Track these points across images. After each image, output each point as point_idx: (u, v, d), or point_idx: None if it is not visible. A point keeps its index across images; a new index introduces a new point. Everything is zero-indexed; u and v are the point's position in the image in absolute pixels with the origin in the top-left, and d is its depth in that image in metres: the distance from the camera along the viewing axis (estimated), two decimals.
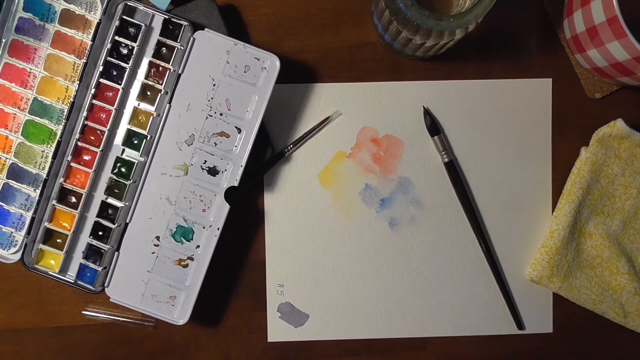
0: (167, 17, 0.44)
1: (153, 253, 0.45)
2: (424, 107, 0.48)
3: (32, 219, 0.44)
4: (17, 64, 0.45)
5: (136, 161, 0.45)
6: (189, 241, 0.45)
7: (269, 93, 0.44)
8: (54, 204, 0.45)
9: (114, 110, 0.44)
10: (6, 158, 0.45)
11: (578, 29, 0.44)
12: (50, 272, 0.45)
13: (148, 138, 0.44)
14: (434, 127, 0.48)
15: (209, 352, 0.49)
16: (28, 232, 0.44)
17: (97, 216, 0.45)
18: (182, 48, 0.44)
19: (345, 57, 0.48)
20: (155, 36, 0.44)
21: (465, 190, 0.48)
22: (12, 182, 0.45)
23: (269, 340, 0.49)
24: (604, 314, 0.48)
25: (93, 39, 0.43)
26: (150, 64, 0.44)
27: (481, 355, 0.49)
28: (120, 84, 0.44)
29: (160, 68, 0.44)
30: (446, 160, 0.48)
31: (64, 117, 0.44)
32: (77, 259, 0.45)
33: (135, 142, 0.45)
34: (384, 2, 0.41)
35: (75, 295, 0.48)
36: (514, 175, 0.49)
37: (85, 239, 0.45)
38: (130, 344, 0.49)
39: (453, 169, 0.48)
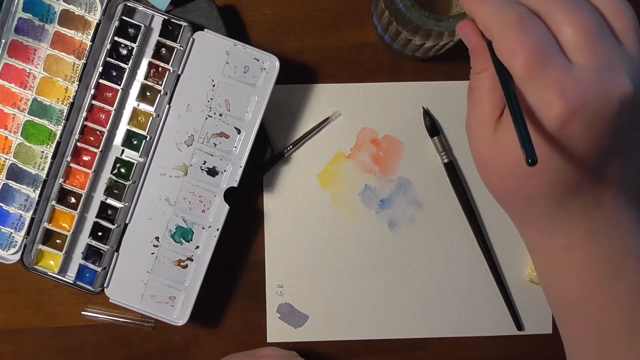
0: (166, 17, 0.44)
1: (152, 254, 0.45)
2: (423, 108, 0.48)
3: (32, 219, 0.44)
4: (16, 65, 0.45)
5: (136, 162, 0.45)
6: (188, 242, 0.45)
7: (269, 94, 0.44)
8: (53, 205, 0.45)
9: (113, 111, 0.44)
10: (6, 159, 0.45)
11: None
12: (49, 273, 0.45)
13: (147, 139, 0.44)
14: (433, 128, 0.48)
15: (209, 352, 0.49)
16: (27, 233, 0.44)
17: (97, 217, 0.45)
18: (182, 49, 0.44)
19: (345, 57, 0.48)
20: (154, 37, 0.44)
21: (465, 191, 0.48)
22: (12, 183, 0.45)
23: (268, 341, 0.49)
24: None
25: (92, 40, 0.43)
26: (150, 64, 0.44)
27: (481, 356, 0.49)
28: (119, 85, 0.44)
29: (160, 69, 0.44)
30: (446, 161, 0.48)
31: (64, 117, 0.44)
32: (77, 259, 0.45)
33: (135, 142, 0.45)
34: (384, 3, 0.41)
35: (75, 296, 0.48)
36: None
37: (84, 239, 0.45)
38: (129, 344, 0.49)
39: (452, 169, 0.48)
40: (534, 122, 0.26)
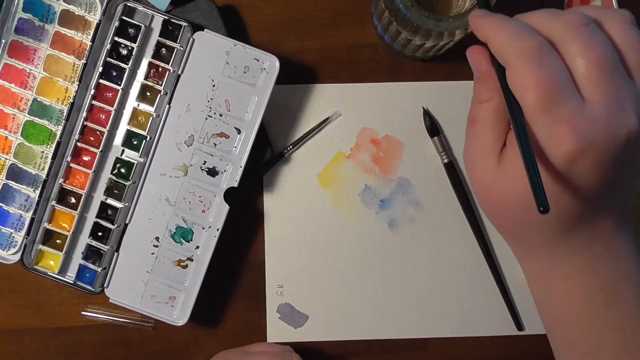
0: (166, 17, 0.44)
1: (152, 254, 0.45)
2: (423, 108, 0.48)
3: (32, 219, 0.44)
4: (16, 65, 0.45)
5: (136, 162, 0.45)
6: (188, 242, 0.45)
7: (269, 94, 0.44)
8: (53, 205, 0.45)
9: (113, 111, 0.44)
10: (6, 159, 0.45)
11: None
12: (49, 273, 0.45)
13: (147, 139, 0.44)
14: (433, 128, 0.48)
15: (209, 352, 0.49)
16: (27, 233, 0.44)
17: (97, 217, 0.45)
18: (182, 49, 0.44)
19: (345, 57, 0.48)
20: (154, 37, 0.44)
21: (465, 191, 0.48)
22: (12, 183, 0.45)
23: (268, 341, 0.49)
24: None
25: (93, 40, 0.43)
26: (150, 64, 0.44)
27: (481, 356, 0.49)
28: (119, 85, 0.44)
29: (160, 69, 0.44)
30: (446, 161, 0.48)
31: (64, 117, 0.44)
32: (77, 259, 0.45)
33: (135, 142, 0.45)
34: (384, 3, 0.41)
35: (75, 296, 0.48)
36: None
37: (84, 239, 0.45)
38: (129, 344, 0.49)
39: (453, 170, 0.48)
40: (542, 157, 0.26)
